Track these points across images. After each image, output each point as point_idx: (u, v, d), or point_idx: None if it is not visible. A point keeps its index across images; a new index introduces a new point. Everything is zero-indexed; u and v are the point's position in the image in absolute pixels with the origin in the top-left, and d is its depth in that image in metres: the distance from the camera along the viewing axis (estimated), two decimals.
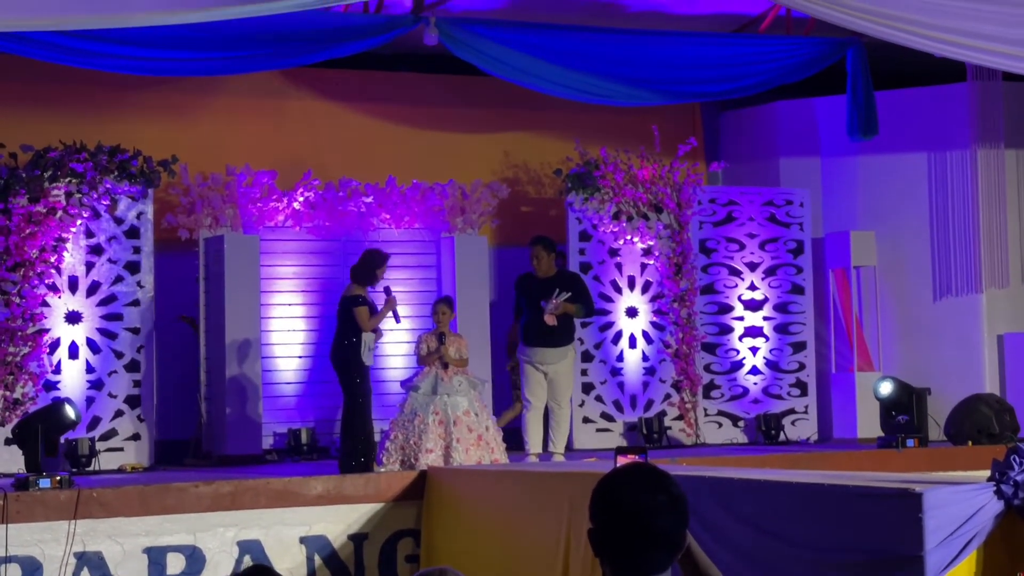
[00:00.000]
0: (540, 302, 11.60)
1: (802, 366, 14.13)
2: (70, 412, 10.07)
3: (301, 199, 12.75)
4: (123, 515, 9.45)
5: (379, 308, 11.00)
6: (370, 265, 11.08)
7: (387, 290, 11.08)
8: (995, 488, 6.34)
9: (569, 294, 11.61)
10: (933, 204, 14.34)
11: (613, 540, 3.45)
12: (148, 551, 9.49)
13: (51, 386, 11.65)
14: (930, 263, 14.34)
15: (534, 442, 11.71)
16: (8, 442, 10.96)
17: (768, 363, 14.05)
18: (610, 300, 13.49)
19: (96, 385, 11.88)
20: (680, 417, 13.56)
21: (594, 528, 3.49)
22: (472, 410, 10.91)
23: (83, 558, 9.32)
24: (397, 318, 11.12)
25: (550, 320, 11.57)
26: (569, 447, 12.09)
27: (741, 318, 14.06)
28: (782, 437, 13.69)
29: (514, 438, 11.69)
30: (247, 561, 9.64)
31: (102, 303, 11.95)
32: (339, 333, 10.99)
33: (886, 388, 12.38)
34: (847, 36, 12.40)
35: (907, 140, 14.34)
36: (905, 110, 14.26)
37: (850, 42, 12.58)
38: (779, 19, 13.11)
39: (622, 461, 6.72)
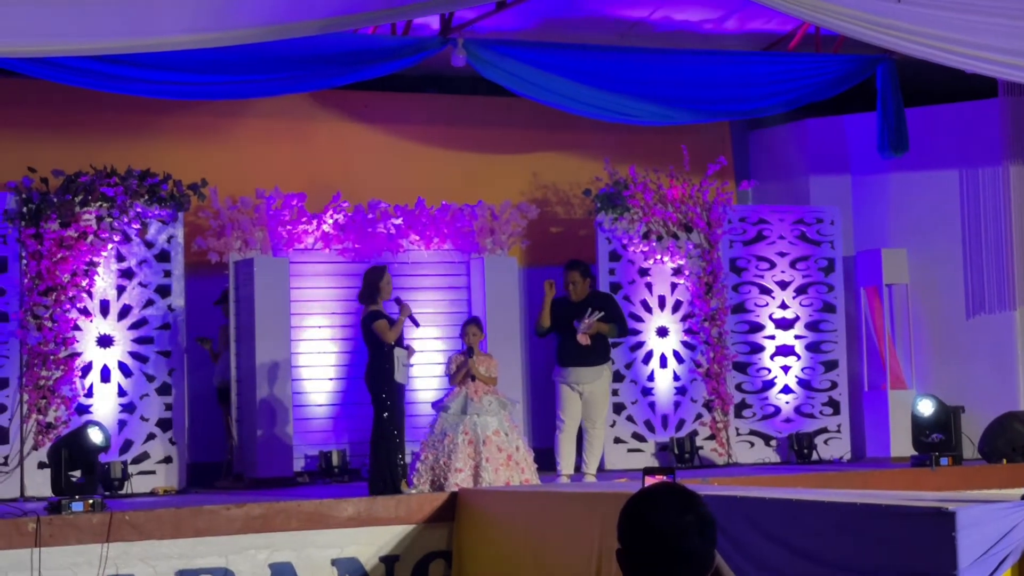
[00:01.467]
0: (573, 322, 11.60)
1: (834, 385, 14.05)
2: (96, 435, 10.08)
3: (330, 221, 12.77)
4: (155, 538, 9.46)
5: (396, 318, 10.99)
6: (373, 284, 11.11)
7: (398, 300, 11.10)
8: None
9: (602, 313, 11.61)
10: (965, 221, 14.25)
11: (641, 561, 3.42)
12: (181, 574, 9.50)
13: (83, 410, 11.69)
14: (963, 280, 14.24)
15: (566, 463, 11.68)
16: (41, 466, 11.01)
17: (800, 382, 13.98)
18: (640, 320, 13.45)
19: (128, 408, 11.91)
20: (712, 437, 13.51)
21: (622, 549, 3.46)
22: (502, 430, 10.91)
23: None
24: (416, 323, 11.13)
25: (583, 340, 11.58)
26: (600, 467, 12.05)
27: (772, 337, 14.00)
28: (815, 456, 13.62)
29: (546, 458, 11.66)
30: None
31: (133, 327, 11.98)
32: (370, 355, 11.02)
33: (926, 407, 12.28)
34: (877, 53, 12.37)
35: (938, 157, 14.26)
36: (936, 127, 14.19)
37: (880, 59, 12.56)
38: (808, 37, 13.09)
39: (650, 481, 6.70)
